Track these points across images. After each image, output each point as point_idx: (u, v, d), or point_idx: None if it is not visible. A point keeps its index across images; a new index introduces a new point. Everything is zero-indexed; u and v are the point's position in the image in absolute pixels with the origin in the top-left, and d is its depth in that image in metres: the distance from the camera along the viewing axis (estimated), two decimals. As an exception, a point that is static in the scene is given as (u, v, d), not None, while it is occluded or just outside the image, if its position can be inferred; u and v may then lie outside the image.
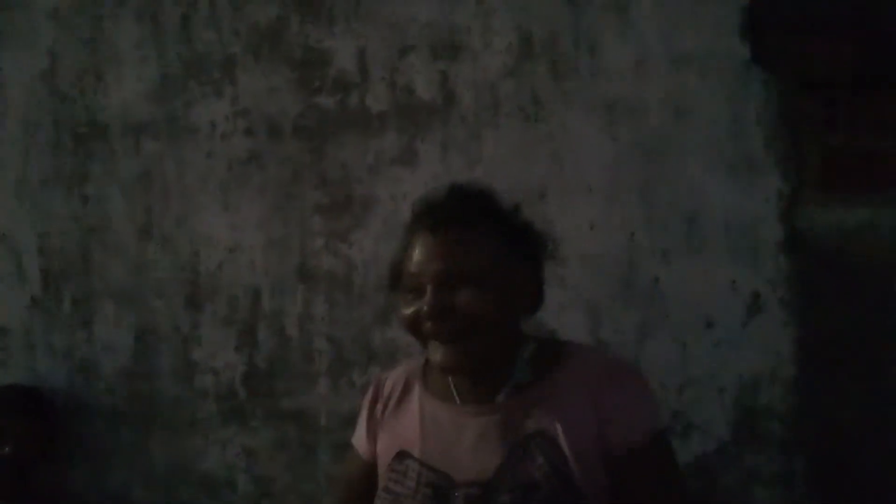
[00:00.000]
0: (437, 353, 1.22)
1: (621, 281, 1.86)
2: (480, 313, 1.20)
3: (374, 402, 1.41)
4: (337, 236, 2.08)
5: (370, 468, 1.39)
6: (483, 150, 1.95)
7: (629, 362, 1.47)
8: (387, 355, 2.05)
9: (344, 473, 1.49)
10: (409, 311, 1.24)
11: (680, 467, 1.27)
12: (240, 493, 2.17)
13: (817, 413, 1.75)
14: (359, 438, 1.44)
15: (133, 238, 2.24)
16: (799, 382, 1.76)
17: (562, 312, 1.85)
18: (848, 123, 1.65)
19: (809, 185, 1.70)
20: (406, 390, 1.38)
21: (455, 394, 1.29)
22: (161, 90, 2.20)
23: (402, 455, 1.30)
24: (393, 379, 1.42)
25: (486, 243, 1.23)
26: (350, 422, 2.06)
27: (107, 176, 2.26)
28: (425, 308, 1.20)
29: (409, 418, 1.33)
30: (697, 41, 1.79)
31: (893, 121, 1.63)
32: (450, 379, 1.30)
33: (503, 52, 1.93)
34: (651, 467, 1.21)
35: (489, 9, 1.93)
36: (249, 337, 2.16)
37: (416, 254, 1.24)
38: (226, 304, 2.17)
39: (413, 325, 1.25)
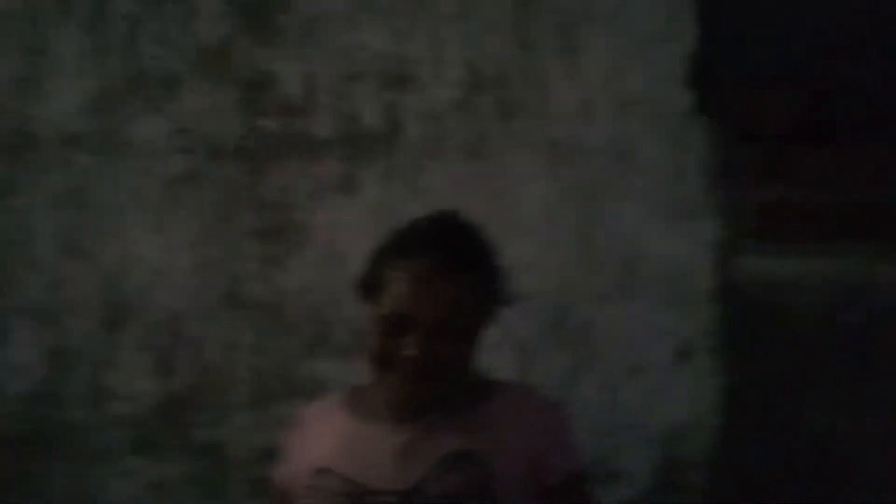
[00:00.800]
0: (400, 389, 1.24)
1: (554, 322, 1.88)
2: (460, 359, 1.25)
3: (297, 433, 1.41)
4: (270, 262, 2.07)
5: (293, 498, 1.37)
6: (426, 182, 1.98)
7: (558, 404, 1.49)
8: (312, 389, 2.02)
9: None
10: (387, 344, 1.24)
11: None
12: (145, 527, 2.09)
13: (740, 463, 1.77)
14: (281, 471, 1.42)
15: (55, 254, 2.19)
16: (723, 432, 1.79)
17: (492, 350, 1.84)
18: (785, 176, 1.73)
19: (744, 234, 1.77)
20: (328, 416, 1.38)
21: (387, 413, 1.30)
22: (100, 103, 2.18)
23: (320, 471, 1.29)
24: (313, 408, 1.45)
25: (478, 294, 1.28)
26: (269, 456, 2.04)
27: (35, 188, 2.21)
28: (413, 351, 1.21)
29: (330, 439, 1.33)
30: (643, 87, 1.86)
31: (828, 175, 1.71)
32: (381, 401, 1.30)
33: (452, 86, 1.97)
34: (580, 497, 1.31)
35: (440, 42, 1.98)
36: (168, 363, 2.11)
37: (410, 289, 1.23)
38: (147, 327, 2.12)
39: (383, 358, 1.25)
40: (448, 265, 1.25)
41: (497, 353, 1.86)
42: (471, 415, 1.27)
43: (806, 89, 1.68)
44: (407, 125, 1.99)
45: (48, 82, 2.22)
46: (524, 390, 1.46)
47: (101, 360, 2.14)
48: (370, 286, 1.31)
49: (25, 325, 2.19)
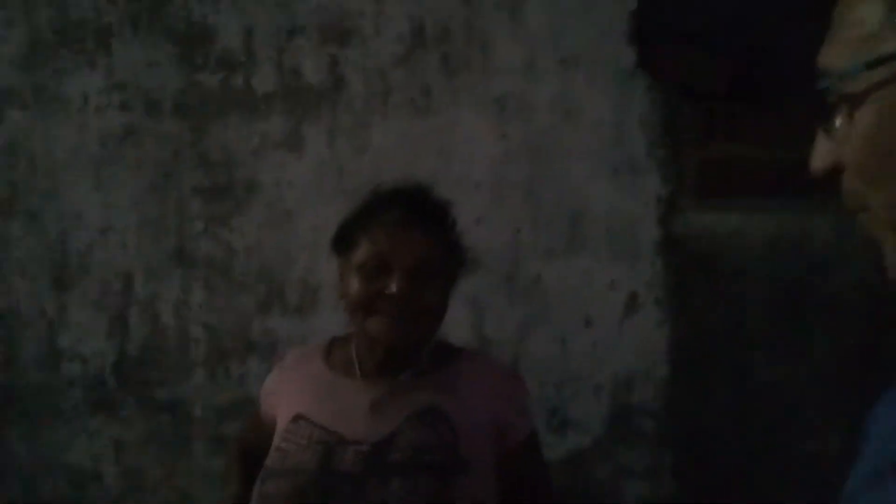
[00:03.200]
0: (379, 327, 1.39)
1: (505, 277, 2.01)
2: (435, 304, 1.41)
3: (276, 374, 1.57)
4: (217, 221, 2.15)
5: (266, 426, 1.53)
6: (371, 138, 2.06)
7: (516, 372, 1.68)
8: (266, 345, 2.14)
9: (241, 429, 1.64)
10: (366, 286, 1.39)
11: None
12: (107, 486, 2.23)
13: (686, 410, 1.94)
14: (262, 395, 1.58)
15: (-6, 213, 2.25)
16: (670, 381, 1.95)
17: (446, 307, 1.98)
18: (724, 133, 1.84)
19: (686, 190, 1.89)
20: (307, 362, 1.53)
21: (357, 369, 1.46)
22: (29, 57, 2.21)
23: (297, 417, 1.44)
24: (295, 353, 1.60)
25: (445, 246, 1.45)
26: (227, 413, 2.18)
27: (-35, 146, 2.26)
28: (394, 289, 1.36)
29: (308, 386, 1.49)
30: (586, 44, 1.94)
31: (767, 132, 1.82)
32: (354, 356, 1.47)
33: (395, 41, 2.04)
34: (532, 458, 1.48)
35: (382, -5, 2.04)
36: (121, 323, 2.21)
37: (387, 235, 1.40)
38: (96, 287, 2.22)
39: (365, 301, 1.39)
40: (418, 215, 1.43)
41: (451, 308, 2.00)
42: (438, 376, 1.44)
43: (740, 49, 1.76)
44: (350, 80, 2.06)
45: (-28, 35, 2.24)
46: (486, 358, 1.64)
47: (51, 321, 2.24)
48: (345, 243, 1.46)
49: (-31, 287, 2.27)
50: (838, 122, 0.67)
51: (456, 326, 1.95)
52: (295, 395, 1.48)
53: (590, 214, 1.97)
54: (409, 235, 1.40)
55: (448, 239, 1.47)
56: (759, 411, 1.90)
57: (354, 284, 1.40)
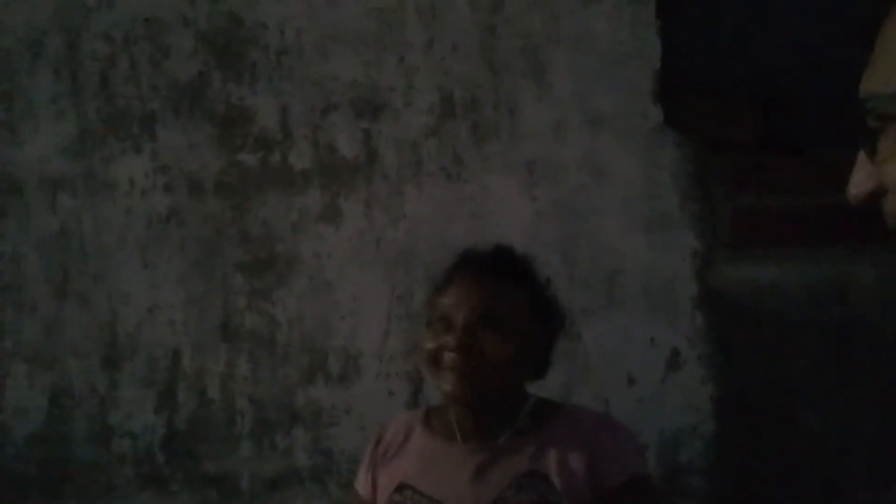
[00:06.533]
0: (447, 384, 1.38)
1: (544, 338, 1.94)
2: (498, 357, 1.38)
3: (377, 445, 1.54)
4: (260, 295, 2.13)
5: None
6: (406, 207, 2.03)
7: (614, 418, 1.62)
8: (311, 416, 2.10)
9: None
10: (433, 342, 1.40)
11: None
12: (158, 561, 2.18)
13: (736, 466, 1.85)
14: (361, 481, 1.54)
15: (48, 297, 2.25)
16: (718, 437, 1.86)
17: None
18: (755, 184, 1.78)
19: (721, 243, 1.83)
20: (407, 433, 1.51)
21: (458, 432, 1.44)
22: (78, 145, 2.24)
23: (401, 487, 1.42)
24: (395, 425, 1.57)
25: (517, 300, 1.44)
26: (273, 485, 2.13)
27: (21, 233, 2.27)
28: (453, 341, 1.36)
29: (410, 456, 1.46)
30: (612, 104, 1.91)
31: (797, 181, 1.76)
32: (453, 419, 1.45)
33: (425, 113, 2.03)
34: (646, 499, 1.43)
35: (411, 69, 2.03)
36: (169, 398, 2.19)
37: (454, 293, 1.42)
38: (145, 364, 2.19)
39: (433, 356, 1.40)
40: (487, 273, 1.43)
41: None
42: (536, 437, 1.41)
43: (766, 100, 1.73)
44: (383, 153, 2.05)
45: (25, 126, 2.27)
46: (583, 410, 1.61)
47: (102, 399, 2.22)
48: (429, 306, 1.48)
49: (23, 368, 2.27)
50: (881, 144, 0.65)
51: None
52: (398, 465, 1.46)
53: (625, 271, 1.91)
54: (473, 290, 1.40)
55: (524, 293, 1.44)
56: (809, 463, 1.81)
57: (425, 341, 1.41)
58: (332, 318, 2.09)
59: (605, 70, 1.91)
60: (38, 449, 2.25)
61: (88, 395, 2.23)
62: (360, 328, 2.07)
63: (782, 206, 1.77)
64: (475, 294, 1.40)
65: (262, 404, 2.13)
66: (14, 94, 2.28)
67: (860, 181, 0.67)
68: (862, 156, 0.68)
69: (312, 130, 2.09)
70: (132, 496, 2.19)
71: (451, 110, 2.01)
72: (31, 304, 2.26)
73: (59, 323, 2.25)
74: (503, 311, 1.39)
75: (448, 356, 1.37)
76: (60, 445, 2.24)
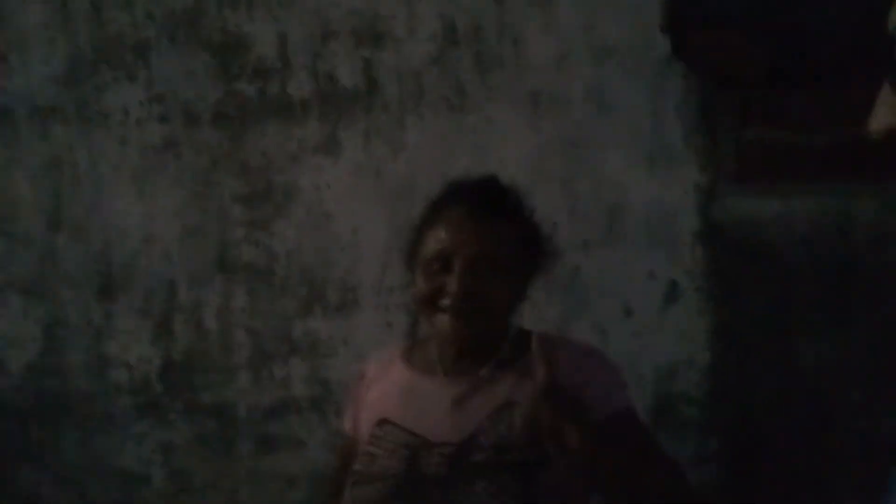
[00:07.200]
0: (447, 326, 1.33)
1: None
2: (500, 300, 1.34)
3: (360, 383, 1.51)
4: (257, 226, 2.11)
5: (356, 442, 1.47)
6: (407, 139, 2.01)
7: (595, 347, 1.55)
8: (308, 347, 2.10)
9: (338, 457, 1.55)
10: (429, 284, 1.34)
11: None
12: (155, 488, 2.19)
13: (731, 397, 1.87)
14: (348, 420, 1.52)
15: (41, 227, 2.23)
16: (714, 368, 1.88)
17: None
18: (761, 118, 1.77)
19: (725, 177, 1.82)
20: (387, 368, 1.48)
21: (439, 366, 1.40)
22: (70, 74, 2.19)
23: (382, 422, 1.39)
24: (376, 361, 1.53)
25: (515, 238, 1.37)
26: (271, 414, 2.14)
27: (12, 163, 2.23)
28: (455, 286, 1.30)
29: (390, 390, 1.43)
30: (619, 35, 1.88)
31: (804, 116, 1.75)
32: (436, 354, 1.41)
33: (427, 41, 1.99)
34: (629, 440, 1.31)
35: (413, -3, 2.00)
36: (165, 329, 2.18)
37: (448, 231, 1.34)
38: (140, 295, 2.18)
39: (430, 298, 1.34)
40: (483, 210, 1.35)
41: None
42: (515, 368, 1.36)
43: (775, 33, 1.70)
44: (384, 83, 2.01)
45: (14, 55, 2.22)
46: (561, 339, 1.51)
47: (97, 330, 2.20)
48: (415, 241, 1.40)
49: (18, 299, 2.25)
50: None
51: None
52: (379, 400, 1.43)
53: (628, 205, 1.91)
54: (470, 229, 1.33)
55: (518, 229, 1.39)
56: (804, 395, 1.83)
57: (420, 282, 1.35)
58: (331, 250, 2.08)
59: (612, 0, 1.88)
60: (35, 380, 2.25)
61: (84, 326, 2.22)
62: (358, 260, 2.06)
63: (788, 140, 1.76)
64: (472, 232, 1.33)
65: (259, 335, 2.13)
66: (2, 23, 2.22)
67: (883, 115, 0.65)
68: (885, 90, 0.66)
69: (312, 59, 2.05)
70: (130, 425, 2.20)
71: (454, 40, 1.97)
72: (23, 235, 2.23)
73: (53, 254, 2.22)
74: (501, 250, 1.34)
75: (448, 298, 1.32)
76: (57, 376, 2.24)
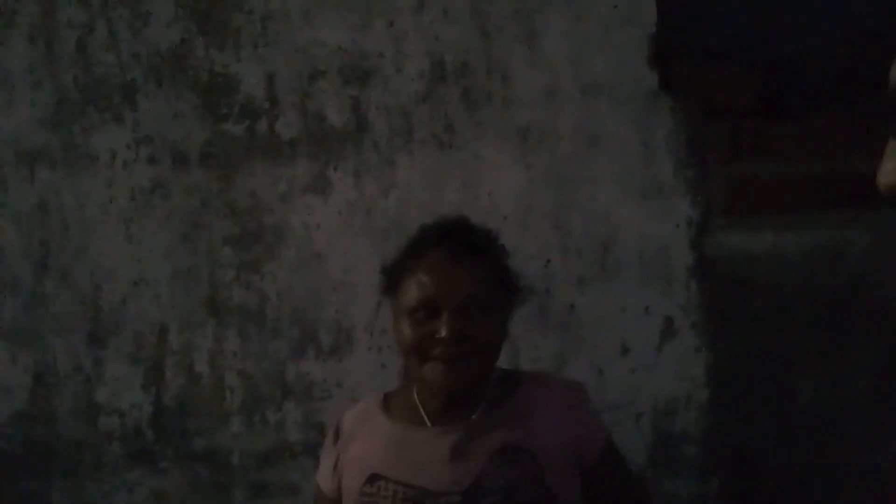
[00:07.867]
0: (438, 374, 1.32)
1: (537, 308, 1.92)
2: (490, 341, 1.36)
3: (336, 438, 1.48)
4: (248, 267, 2.09)
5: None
6: (396, 176, 1.99)
7: (576, 381, 1.57)
8: (302, 390, 2.07)
9: None
10: (417, 331, 1.33)
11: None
12: (149, 538, 2.15)
13: (730, 434, 1.84)
14: (323, 476, 1.50)
15: (28, 272, 2.20)
16: (712, 405, 1.85)
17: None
18: (751, 150, 1.76)
19: (716, 211, 1.80)
20: (366, 422, 1.46)
21: (425, 417, 1.39)
22: (56, 116, 2.18)
23: (373, 478, 1.37)
24: (351, 415, 1.51)
25: (493, 277, 1.38)
26: (265, 460, 2.10)
27: (0, 207, 2.22)
28: (444, 332, 1.30)
29: (376, 445, 1.41)
30: (607, 69, 1.87)
31: (793, 147, 1.74)
32: (419, 403, 1.40)
33: (415, 78, 1.98)
34: (616, 464, 1.45)
35: (400, 34, 1.98)
36: (157, 375, 2.15)
37: (433, 275, 1.33)
38: (130, 340, 2.15)
39: (419, 346, 1.33)
40: (462, 252, 1.36)
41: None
42: (509, 408, 1.37)
43: (762, 64, 1.70)
44: (373, 121, 2.00)
45: (0, 98, 2.21)
46: (546, 377, 1.57)
47: (87, 376, 2.17)
48: (393, 286, 1.40)
49: (5, 346, 2.22)
50: None
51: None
52: (364, 456, 1.40)
53: (620, 240, 1.88)
54: (454, 274, 1.33)
55: (497, 270, 1.40)
56: (803, 430, 1.80)
57: (406, 330, 1.34)
58: (323, 291, 2.06)
59: (600, 34, 1.87)
60: (23, 428, 2.21)
61: (73, 372, 2.19)
62: (351, 300, 2.03)
63: (778, 172, 1.74)
64: (455, 276, 1.33)
65: (252, 379, 2.10)
66: (-12, 65, 2.21)
67: (891, 171, 0.65)
68: (891, 145, 0.66)
69: (300, 98, 2.04)
70: (121, 474, 2.16)
71: (442, 76, 1.96)
72: (10, 280, 2.21)
73: (41, 299, 2.20)
74: (483, 290, 1.35)
75: (440, 346, 1.32)
76: (46, 424, 2.20)
